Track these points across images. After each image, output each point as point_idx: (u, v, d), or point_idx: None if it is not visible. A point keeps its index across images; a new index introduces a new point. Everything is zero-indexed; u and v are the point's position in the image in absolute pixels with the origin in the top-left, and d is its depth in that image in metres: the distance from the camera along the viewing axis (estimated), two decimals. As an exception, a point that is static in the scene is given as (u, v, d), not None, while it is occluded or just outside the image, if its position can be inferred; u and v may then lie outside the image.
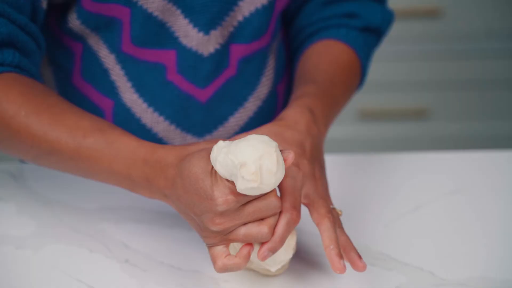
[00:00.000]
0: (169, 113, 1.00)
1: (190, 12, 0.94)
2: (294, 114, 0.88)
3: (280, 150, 0.73)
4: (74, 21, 0.95)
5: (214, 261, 0.75)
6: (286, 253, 0.81)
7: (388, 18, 1.08)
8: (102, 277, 0.84)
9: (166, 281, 0.84)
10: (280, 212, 0.79)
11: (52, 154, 0.82)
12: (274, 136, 0.84)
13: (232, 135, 1.04)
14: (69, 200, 0.98)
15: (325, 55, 1.01)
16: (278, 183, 0.72)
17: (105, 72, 0.99)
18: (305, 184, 0.82)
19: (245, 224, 0.74)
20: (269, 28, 1.00)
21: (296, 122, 0.87)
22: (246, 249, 0.75)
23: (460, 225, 0.94)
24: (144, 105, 0.99)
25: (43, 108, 0.83)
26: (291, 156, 0.73)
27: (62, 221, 0.94)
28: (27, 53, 0.89)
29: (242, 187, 0.70)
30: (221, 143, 0.71)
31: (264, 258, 0.76)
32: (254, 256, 0.80)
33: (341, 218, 0.91)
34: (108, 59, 0.98)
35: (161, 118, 1.00)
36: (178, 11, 0.94)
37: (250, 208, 0.73)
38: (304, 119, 0.87)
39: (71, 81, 1.02)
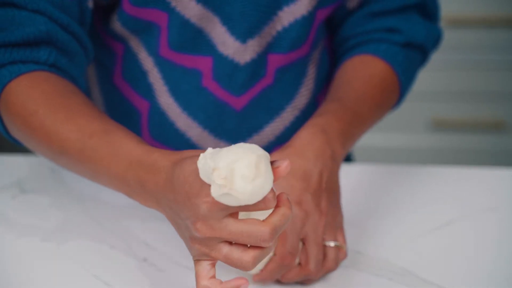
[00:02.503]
0: (203, 119, 0.99)
1: (227, 20, 0.94)
2: (305, 137, 0.85)
3: (274, 161, 0.68)
4: (115, 23, 0.96)
5: (197, 279, 0.71)
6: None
7: (434, 34, 1.04)
8: (118, 275, 0.85)
9: (179, 282, 0.84)
10: (274, 254, 0.79)
11: (63, 154, 0.82)
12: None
13: (268, 145, 1.03)
14: (99, 195, 0.99)
15: (359, 71, 0.99)
16: (258, 194, 0.65)
17: (143, 74, 0.99)
18: (306, 223, 0.81)
19: (230, 243, 0.69)
20: (309, 38, 0.99)
21: (305, 149, 0.84)
22: (235, 284, 0.70)
23: (490, 245, 0.91)
24: (179, 110, 0.99)
25: (60, 108, 0.83)
26: (285, 164, 0.67)
27: (89, 216, 0.96)
28: (67, 53, 0.89)
29: (215, 193, 0.65)
30: (209, 150, 0.68)
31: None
32: None
33: (364, 230, 0.89)
34: (146, 61, 0.98)
35: (195, 123, 1.00)
36: (216, 19, 0.94)
37: (233, 227, 0.67)
38: (316, 142, 0.85)
39: (112, 80, 1.03)
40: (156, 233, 0.92)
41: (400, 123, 2.23)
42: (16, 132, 0.86)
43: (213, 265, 0.71)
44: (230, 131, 1.01)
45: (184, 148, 1.01)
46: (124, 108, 1.03)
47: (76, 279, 0.85)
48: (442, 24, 2.04)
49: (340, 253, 0.83)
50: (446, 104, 2.19)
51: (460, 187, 1.03)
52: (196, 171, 0.69)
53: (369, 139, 2.25)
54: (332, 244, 0.82)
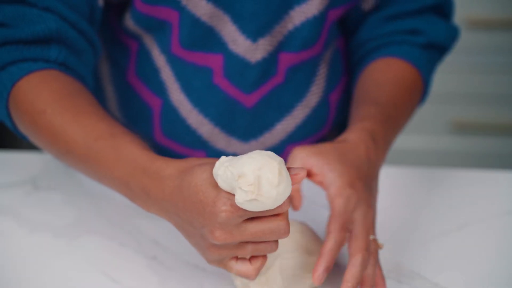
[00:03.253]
0: (214, 116, 1.00)
1: (238, 19, 0.94)
2: (355, 138, 0.85)
3: (290, 168, 0.70)
4: (128, 21, 0.97)
5: (245, 276, 0.73)
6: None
7: (452, 34, 1.04)
8: (126, 272, 0.86)
9: (187, 281, 0.84)
10: (328, 233, 0.78)
11: (68, 153, 0.83)
12: (337, 156, 0.82)
13: (279, 143, 1.03)
14: (112, 194, 0.99)
15: (387, 73, 0.99)
16: (281, 199, 0.68)
17: (156, 72, 1.00)
18: (357, 209, 0.79)
19: (239, 253, 0.72)
20: (321, 38, 0.99)
21: (357, 147, 0.84)
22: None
23: (505, 250, 0.90)
24: (190, 106, 1.00)
25: (68, 108, 0.83)
26: (302, 173, 0.69)
27: (101, 214, 0.96)
28: (76, 51, 0.90)
29: (241, 200, 0.67)
30: (223, 158, 0.69)
31: (320, 281, 0.76)
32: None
33: (382, 233, 0.89)
34: (159, 59, 0.99)
35: (206, 120, 1.00)
36: (227, 18, 0.94)
37: (253, 228, 0.69)
38: (364, 145, 0.85)
39: (126, 77, 1.04)
40: (166, 232, 0.92)
41: (420, 125, 2.21)
42: (24, 129, 0.87)
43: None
44: (241, 128, 1.01)
45: (196, 145, 1.02)
46: (137, 105, 1.03)
47: (84, 275, 0.85)
48: (463, 26, 2.04)
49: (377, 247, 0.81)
50: (467, 106, 2.17)
51: (476, 190, 1.02)
52: (208, 180, 0.69)
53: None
54: (372, 237, 0.80)
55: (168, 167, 0.74)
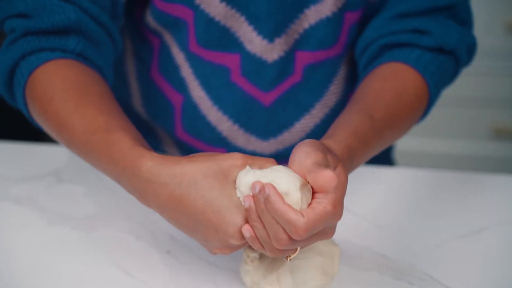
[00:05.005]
0: (233, 113, 1.00)
1: (254, 20, 0.94)
2: (338, 153, 0.77)
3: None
4: (148, 17, 0.98)
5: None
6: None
7: (467, 40, 0.97)
8: (140, 266, 0.86)
9: (199, 275, 0.85)
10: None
11: (71, 144, 0.83)
12: (322, 152, 0.73)
13: (299, 141, 1.02)
14: (132, 188, 1.01)
15: (391, 81, 0.92)
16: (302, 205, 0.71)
17: (176, 68, 1.01)
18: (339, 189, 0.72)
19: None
20: (340, 40, 0.98)
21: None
22: None
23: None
24: (210, 103, 1.00)
25: (74, 96, 0.84)
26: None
27: (120, 208, 0.97)
28: (95, 42, 0.91)
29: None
30: (248, 167, 0.72)
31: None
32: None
33: (393, 234, 0.88)
34: (178, 56, 1.00)
35: (225, 117, 1.00)
36: (242, 18, 0.94)
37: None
38: (342, 164, 0.75)
39: (149, 74, 1.05)
40: (183, 227, 0.93)
41: (461, 130, 2.18)
42: (36, 117, 0.88)
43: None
44: (260, 126, 1.01)
45: (216, 142, 1.02)
46: (160, 101, 1.04)
47: (98, 266, 0.86)
48: (504, 30, 2.00)
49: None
50: (507, 111, 2.13)
51: (498, 195, 1.00)
52: (218, 199, 0.71)
53: (429, 145, 2.21)
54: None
55: (161, 171, 0.73)
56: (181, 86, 1.01)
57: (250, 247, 0.78)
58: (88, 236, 0.92)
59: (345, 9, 0.95)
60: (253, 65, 0.97)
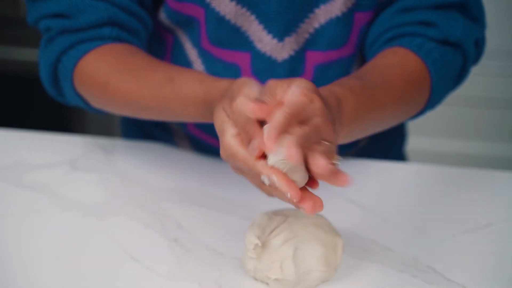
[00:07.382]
0: None
1: (264, 19, 0.96)
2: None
3: None
4: (161, 15, 1.00)
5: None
6: None
7: (474, 34, 0.96)
8: (147, 252, 0.88)
9: (205, 263, 0.86)
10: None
11: (142, 110, 0.90)
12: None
13: None
14: (144, 177, 1.03)
15: (388, 58, 0.92)
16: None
17: (189, 65, 1.03)
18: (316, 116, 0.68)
19: None
20: (351, 40, 0.98)
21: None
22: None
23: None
24: None
25: (127, 71, 0.90)
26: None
27: (131, 197, 0.99)
28: (130, 31, 0.96)
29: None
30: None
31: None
32: (258, 264, 0.81)
33: (398, 228, 0.89)
34: (191, 52, 1.02)
35: None
36: (253, 17, 0.96)
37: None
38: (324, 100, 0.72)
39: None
40: (191, 217, 0.95)
41: (480, 131, 2.18)
42: (95, 102, 0.95)
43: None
44: None
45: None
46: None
47: (106, 252, 0.88)
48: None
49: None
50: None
51: (504, 191, 1.01)
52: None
53: (447, 145, 2.21)
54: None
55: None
56: (194, 82, 1.03)
57: (252, 235, 0.80)
58: (99, 223, 0.94)
59: (355, 9, 0.96)
60: (263, 64, 0.98)
